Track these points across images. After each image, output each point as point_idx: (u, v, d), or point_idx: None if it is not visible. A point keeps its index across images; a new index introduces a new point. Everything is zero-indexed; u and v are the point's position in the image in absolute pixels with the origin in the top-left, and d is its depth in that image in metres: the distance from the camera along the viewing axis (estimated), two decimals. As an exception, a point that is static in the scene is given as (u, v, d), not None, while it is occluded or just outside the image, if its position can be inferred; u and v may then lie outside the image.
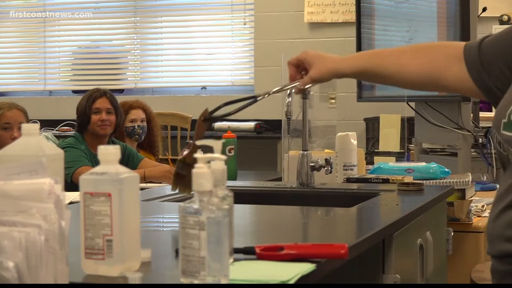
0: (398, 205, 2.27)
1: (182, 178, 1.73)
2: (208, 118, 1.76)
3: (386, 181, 2.64)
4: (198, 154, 1.25)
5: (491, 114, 1.61)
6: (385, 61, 1.90)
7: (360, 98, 4.56)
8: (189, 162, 1.70)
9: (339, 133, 2.87)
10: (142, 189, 2.64)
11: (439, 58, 1.83)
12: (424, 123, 4.01)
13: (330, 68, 1.92)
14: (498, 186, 1.74)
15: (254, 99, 1.87)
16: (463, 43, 1.82)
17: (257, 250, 1.38)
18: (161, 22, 6.87)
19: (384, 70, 1.89)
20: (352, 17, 5.72)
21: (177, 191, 1.72)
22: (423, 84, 1.90)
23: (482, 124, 3.94)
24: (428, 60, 1.85)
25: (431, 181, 2.72)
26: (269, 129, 6.10)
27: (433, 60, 1.84)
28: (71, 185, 3.56)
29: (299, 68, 1.97)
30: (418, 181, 2.54)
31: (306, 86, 1.96)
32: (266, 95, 1.90)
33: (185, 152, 1.69)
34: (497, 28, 4.99)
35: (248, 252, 1.38)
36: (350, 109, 5.64)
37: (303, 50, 1.98)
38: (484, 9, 4.98)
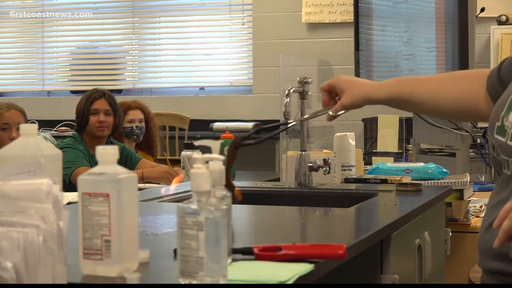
0: (396, 205, 2.27)
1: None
2: (239, 145, 1.70)
3: (384, 181, 2.64)
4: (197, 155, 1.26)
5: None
6: (421, 87, 1.83)
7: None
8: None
9: (337, 134, 2.87)
10: (140, 189, 2.64)
11: (475, 85, 1.78)
12: (422, 123, 4.01)
13: (362, 94, 1.87)
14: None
15: (285, 124, 1.85)
16: (488, 71, 1.79)
17: (255, 251, 1.38)
18: (159, 22, 6.88)
19: (419, 97, 1.83)
20: (350, 17, 5.73)
21: None
22: (456, 112, 1.83)
23: (480, 124, 3.94)
24: (463, 87, 1.79)
25: (429, 181, 2.72)
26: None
27: (468, 88, 1.78)
28: (69, 185, 3.56)
29: (332, 93, 1.93)
30: (416, 182, 2.54)
31: (338, 113, 1.91)
32: (298, 121, 1.90)
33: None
34: (495, 29, 4.99)
35: (246, 253, 1.38)
36: (348, 109, 5.63)
37: (336, 76, 1.92)
38: (482, 10, 4.99)
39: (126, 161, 4.03)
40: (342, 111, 1.91)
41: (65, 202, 1.96)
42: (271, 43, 6.30)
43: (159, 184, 3.77)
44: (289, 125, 1.87)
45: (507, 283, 1.56)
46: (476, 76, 1.82)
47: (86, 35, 7.08)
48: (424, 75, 4.50)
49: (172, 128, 5.99)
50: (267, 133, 1.82)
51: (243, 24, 6.57)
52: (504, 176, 1.60)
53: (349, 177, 2.75)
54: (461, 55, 3.91)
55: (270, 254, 1.36)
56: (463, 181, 2.80)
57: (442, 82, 1.83)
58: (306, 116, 1.95)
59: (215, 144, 1.34)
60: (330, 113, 1.92)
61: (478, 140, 3.82)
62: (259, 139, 1.73)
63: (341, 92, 1.89)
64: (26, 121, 3.99)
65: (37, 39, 7.12)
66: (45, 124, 6.32)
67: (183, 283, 1.16)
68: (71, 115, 4.34)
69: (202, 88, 6.71)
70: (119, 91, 6.78)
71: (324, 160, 2.60)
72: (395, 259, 1.90)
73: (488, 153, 3.77)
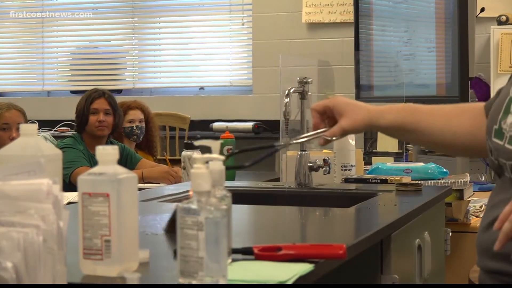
0: (396, 205, 2.27)
1: None
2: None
3: (384, 181, 2.64)
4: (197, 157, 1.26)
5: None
6: (428, 119, 1.74)
7: (358, 98, 4.56)
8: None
9: (337, 134, 2.86)
10: (140, 189, 2.64)
11: (476, 117, 1.73)
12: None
13: (365, 119, 1.73)
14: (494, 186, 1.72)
15: (273, 149, 1.68)
16: (481, 104, 1.74)
17: (255, 251, 1.38)
18: (159, 22, 6.87)
19: (426, 128, 1.73)
20: (350, 18, 5.72)
21: None
22: (465, 146, 1.76)
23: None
24: (467, 120, 1.74)
25: (429, 181, 2.72)
26: (267, 130, 6.10)
27: (470, 118, 1.73)
28: (69, 185, 3.56)
29: (324, 115, 1.77)
30: (416, 182, 2.54)
31: (335, 138, 1.76)
32: (287, 145, 1.74)
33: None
34: (495, 29, 4.99)
35: (246, 253, 1.38)
36: (348, 109, 5.62)
37: (331, 97, 1.78)
38: (482, 10, 4.99)
39: (126, 161, 4.03)
40: (340, 136, 1.76)
41: (65, 202, 1.96)
42: (271, 43, 6.30)
43: (159, 184, 3.77)
44: (279, 148, 1.68)
45: (506, 283, 1.56)
46: (474, 108, 1.77)
47: (86, 35, 7.07)
48: (424, 74, 4.50)
49: (172, 128, 5.98)
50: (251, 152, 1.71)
51: (243, 24, 6.57)
52: (504, 178, 1.59)
53: (349, 177, 2.75)
54: (461, 55, 3.92)
55: (270, 254, 1.36)
56: (463, 181, 2.80)
57: (450, 113, 1.75)
58: (296, 140, 1.78)
59: (215, 144, 1.34)
60: (325, 137, 1.76)
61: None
62: (250, 164, 1.60)
63: (339, 115, 1.74)
64: (26, 121, 3.99)
65: (37, 39, 7.11)
66: (45, 124, 6.32)
67: (183, 283, 1.16)
68: (71, 115, 4.34)
69: (202, 88, 6.71)
70: (119, 91, 6.78)
71: (324, 160, 2.60)
72: (395, 259, 1.90)
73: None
